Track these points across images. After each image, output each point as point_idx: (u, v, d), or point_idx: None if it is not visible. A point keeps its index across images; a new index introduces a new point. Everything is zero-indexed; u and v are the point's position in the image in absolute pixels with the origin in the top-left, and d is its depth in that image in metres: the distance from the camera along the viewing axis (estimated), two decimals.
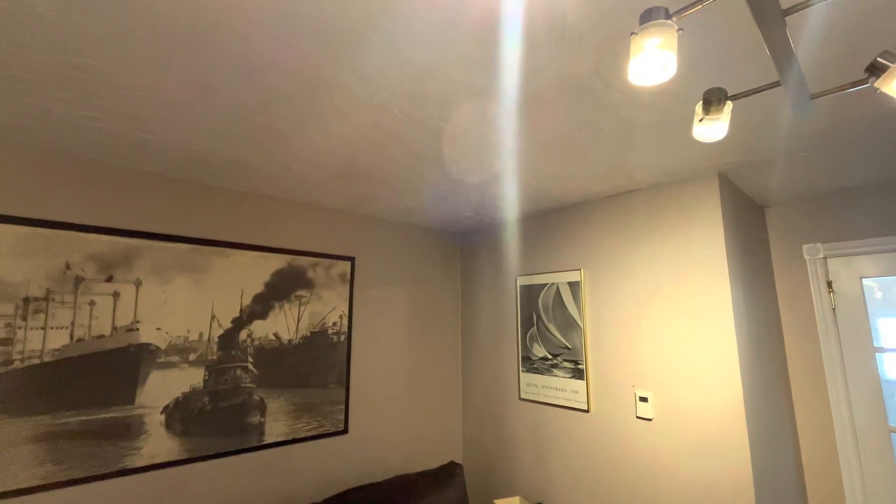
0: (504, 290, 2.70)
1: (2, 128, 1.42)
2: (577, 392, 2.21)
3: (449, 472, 2.17)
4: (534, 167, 1.80)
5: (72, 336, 1.61)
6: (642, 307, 2.02)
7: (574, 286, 2.29)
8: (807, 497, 2.15)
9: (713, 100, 0.87)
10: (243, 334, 2.02)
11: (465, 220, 2.73)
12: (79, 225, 1.66)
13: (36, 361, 1.54)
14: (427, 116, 1.37)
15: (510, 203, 2.34)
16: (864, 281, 2.08)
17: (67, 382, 1.59)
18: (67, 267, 1.63)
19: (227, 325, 1.98)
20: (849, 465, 2.03)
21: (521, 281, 2.58)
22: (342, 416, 2.30)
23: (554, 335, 2.36)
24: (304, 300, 2.24)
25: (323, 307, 2.31)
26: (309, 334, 2.23)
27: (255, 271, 2.09)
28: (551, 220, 2.48)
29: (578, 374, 2.22)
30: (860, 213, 2.11)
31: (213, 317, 1.94)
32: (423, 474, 2.11)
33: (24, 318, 1.54)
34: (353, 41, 1.02)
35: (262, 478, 1.99)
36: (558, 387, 2.30)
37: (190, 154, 1.65)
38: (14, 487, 1.46)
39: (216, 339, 1.94)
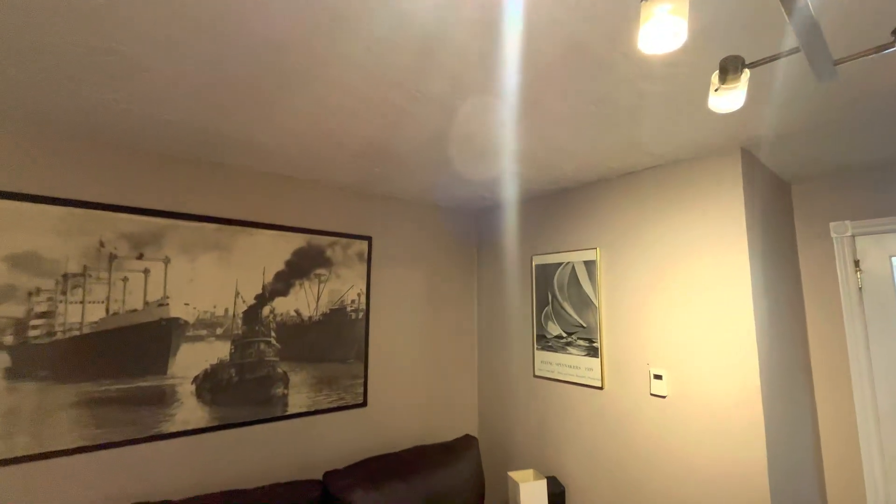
0: (519, 269, 2.71)
1: (39, 113, 1.50)
2: (591, 369, 2.23)
3: (464, 445, 2.23)
4: (549, 144, 1.79)
5: (107, 310, 1.72)
6: (658, 285, 2.01)
7: (590, 265, 2.29)
8: (825, 483, 2.14)
9: (729, 68, 0.85)
10: (266, 310, 2.10)
11: (481, 200, 2.74)
12: (111, 205, 1.75)
13: (76, 333, 1.65)
14: (439, 92, 1.37)
15: (526, 182, 2.33)
16: (894, 260, 2.01)
17: (105, 353, 1.70)
18: (101, 245, 1.72)
19: (251, 301, 2.06)
20: (870, 452, 2.00)
21: (537, 260, 2.58)
22: (362, 390, 2.38)
23: (569, 314, 2.37)
24: (323, 278, 2.30)
25: (341, 285, 2.37)
26: (328, 311, 2.31)
27: (277, 250, 2.16)
28: (567, 198, 2.46)
29: (593, 351, 2.23)
30: (892, 189, 2.02)
31: (237, 293, 2.03)
32: (439, 445, 2.18)
33: (64, 293, 1.64)
34: (366, 14, 1.03)
35: (286, 446, 2.09)
36: (572, 364, 2.33)
37: (210, 136, 1.70)
38: (62, 448, 1.59)
39: (241, 315, 2.03)
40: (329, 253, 2.34)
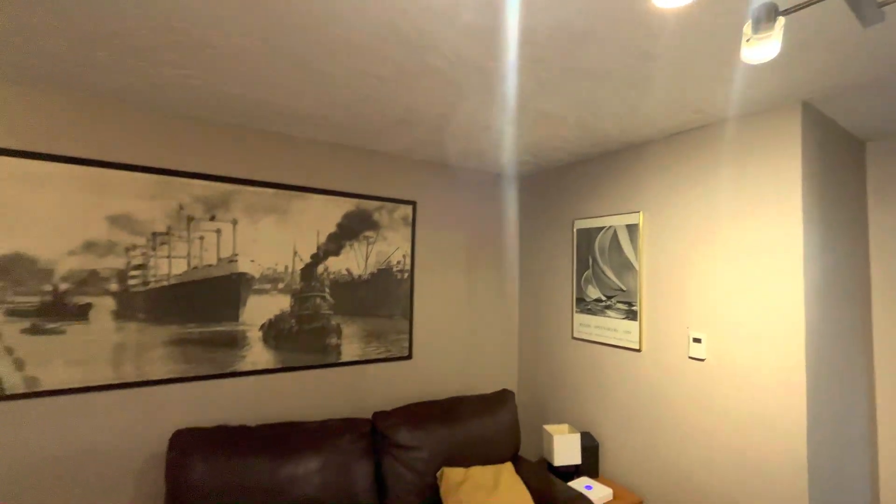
0: (561, 233, 2.73)
1: (124, 91, 1.71)
2: (629, 332, 2.26)
3: (502, 398, 2.37)
4: (591, 105, 1.78)
5: (189, 264, 1.98)
6: (702, 248, 1.97)
7: (632, 229, 2.27)
8: (878, 475, 2.06)
9: (762, 17, 0.84)
10: (320, 268, 2.30)
11: (523, 165, 2.75)
12: (187, 172, 1.97)
13: (165, 283, 1.93)
14: (478, 56, 1.41)
15: (568, 145, 2.31)
16: None
17: (188, 301, 1.97)
18: (181, 208, 1.96)
19: (307, 259, 2.27)
20: None
21: (579, 224, 2.58)
22: (407, 344, 2.57)
23: (609, 277, 2.38)
24: (371, 240, 2.47)
25: (388, 247, 2.52)
26: (376, 271, 2.48)
27: (329, 213, 2.33)
28: (610, 162, 2.42)
29: (632, 315, 2.25)
30: None
31: (295, 252, 2.23)
32: (477, 397, 2.33)
33: (154, 249, 1.91)
34: None
35: (339, 389, 2.34)
36: (611, 327, 2.36)
37: (267, 107, 1.85)
38: (158, 378, 1.90)
39: (298, 272, 2.24)
40: (376, 216, 2.49)
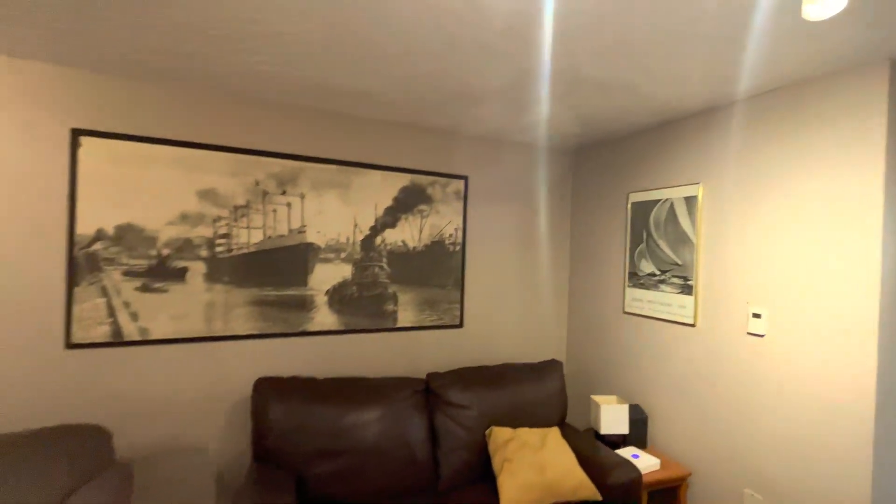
0: (614, 207, 2.69)
1: (210, 78, 1.92)
2: (683, 307, 2.22)
3: (550, 367, 2.44)
4: (648, 71, 1.73)
5: (264, 234, 2.21)
6: (765, 220, 1.88)
7: (690, 201, 2.20)
8: None
9: None
10: (378, 240, 2.47)
11: (576, 137, 2.71)
12: (261, 151, 2.19)
13: (245, 251, 2.18)
14: (528, 27, 1.44)
15: (625, 115, 2.26)
16: None
17: (264, 267, 2.21)
18: (257, 183, 2.19)
19: (366, 231, 2.44)
20: None
21: (633, 197, 2.53)
22: (458, 313, 2.69)
23: (664, 252, 2.33)
24: (424, 213, 2.59)
25: (440, 220, 2.64)
26: (430, 243, 2.61)
27: (385, 188, 2.48)
28: (668, 132, 2.33)
29: (686, 289, 2.20)
30: None
31: (355, 224, 2.41)
32: (526, 365, 2.42)
33: (235, 220, 2.15)
34: None
35: (395, 351, 2.52)
36: (664, 301, 2.32)
37: (329, 88, 1.99)
38: (240, 333, 2.17)
39: (359, 243, 2.42)
40: (430, 191, 2.60)
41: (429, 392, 2.17)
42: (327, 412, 1.90)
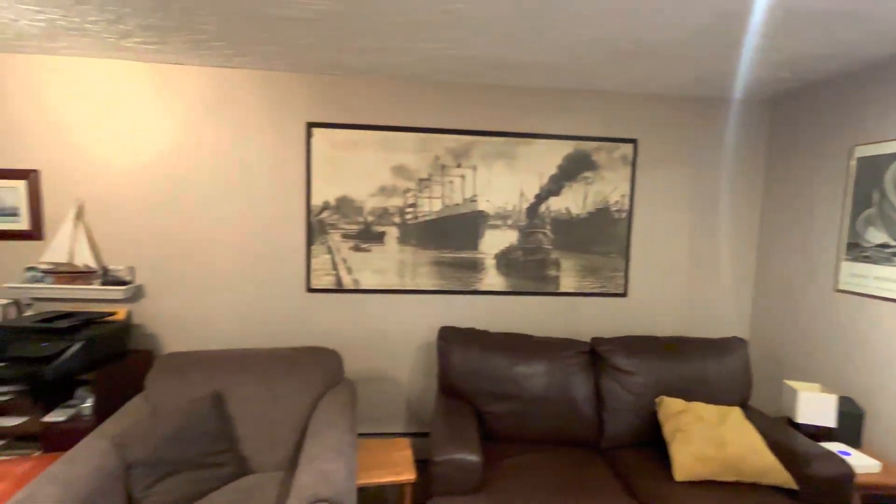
0: (828, 163, 2.24)
1: (398, 67, 2.24)
2: None
3: (731, 345, 2.23)
4: None
5: (442, 203, 2.51)
6: None
7: None
8: None
9: None
10: (542, 207, 2.56)
11: (777, 84, 2.32)
12: (439, 129, 2.46)
13: (427, 218, 2.51)
14: None
15: (850, 51, 1.86)
16: None
17: (443, 232, 2.53)
18: (436, 158, 2.48)
19: (531, 199, 2.55)
20: None
21: (861, 151, 2.08)
22: (622, 282, 2.64)
23: None
24: (589, 181, 2.57)
25: (605, 187, 2.59)
26: (594, 210, 2.59)
27: (550, 156, 2.54)
28: None
29: None
30: None
31: (521, 193, 2.54)
32: (702, 340, 2.27)
33: (420, 191, 2.50)
34: None
35: (557, 315, 2.63)
36: None
37: (498, 62, 2.12)
38: (424, 288, 2.54)
39: (524, 210, 2.56)
40: (595, 157, 2.56)
41: (594, 355, 2.23)
42: (499, 360, 2.13)
